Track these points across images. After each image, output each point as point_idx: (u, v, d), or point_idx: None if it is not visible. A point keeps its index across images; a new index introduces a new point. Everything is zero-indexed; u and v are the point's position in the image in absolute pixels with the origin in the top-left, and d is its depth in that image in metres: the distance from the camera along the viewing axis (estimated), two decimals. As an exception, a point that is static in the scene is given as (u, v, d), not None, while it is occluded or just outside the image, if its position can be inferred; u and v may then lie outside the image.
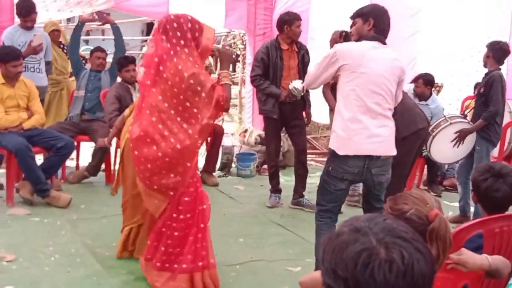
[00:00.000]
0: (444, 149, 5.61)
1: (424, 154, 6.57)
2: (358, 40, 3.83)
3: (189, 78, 3.45)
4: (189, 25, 3.55)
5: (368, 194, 4.02)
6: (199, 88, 3.45)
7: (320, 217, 3.94)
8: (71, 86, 7.30)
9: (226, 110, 3.63)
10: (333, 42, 4.27)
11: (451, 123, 5.58)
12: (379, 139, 3.68)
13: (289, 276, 4.23)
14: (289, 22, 5.84)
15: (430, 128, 5.59)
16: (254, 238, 5.04)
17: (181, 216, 3.71)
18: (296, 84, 5.60)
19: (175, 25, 3.53)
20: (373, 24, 3.76)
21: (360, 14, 3.84)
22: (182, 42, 3.52)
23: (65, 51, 6.94)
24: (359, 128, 3.63)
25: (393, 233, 1.30)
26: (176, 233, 3.73)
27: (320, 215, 3.94)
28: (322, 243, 1.38)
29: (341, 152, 3.67)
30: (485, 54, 5.54)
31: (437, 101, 6.96)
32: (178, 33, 3.52)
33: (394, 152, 3.81)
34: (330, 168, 3.78)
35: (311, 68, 3.91)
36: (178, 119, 3.54)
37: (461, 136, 5.49)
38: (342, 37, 4.30)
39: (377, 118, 3.67)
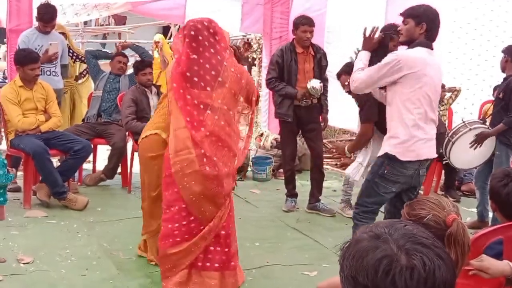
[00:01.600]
0: (464, 155, 5.55)
1: (444, 161, 6.55)
2: (407, 41, 3.83)
3: (241, 78, 3.66)
4: (221, 29, 3.71)
5: (396, 199, 4.00)
6: (248, 87, 3.69)
7: (361, 218, 3.99)
8: (78, 90, 7.32)
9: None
10: (366, 40, 4.00)
11: (470, 129, 5.50)
12: (433, 143, 3.85)
13: (306, 280, 4.21)
14: (296, 26, 5.83)
15: (450, 134, 5.55)
16: (270, 243, 5.02)
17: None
18: (314, 83, 5.58)
19: (212, 30, 3.64)
20: (426, 29, 3.73)
21: (414, 16, 3.75)
22: (222, 44, 3.65)
23: (70, 54, 6.95)
24: (420, 135, 3.74)
25: (413, 239, 1.29)
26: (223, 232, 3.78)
27: (361, 215, 3.99)
28: (341, 249, 1.37)
29: (403, 158, 3.76)
30: (503, 59, 5.49)
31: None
32: (217, 38, 3.65)
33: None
34: (385, 171, 3.82)
35: (364, 73, 3.84)
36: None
37: (480, 139, 5.42)
38: (380, 36, 4.06)
39: (433, 124, 3.83)
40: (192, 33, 3.60)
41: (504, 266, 2.32)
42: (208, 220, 3.66)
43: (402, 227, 1.34)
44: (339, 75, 5.46)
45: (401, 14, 3.84)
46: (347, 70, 5.04)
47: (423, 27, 3.71)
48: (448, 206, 2.22)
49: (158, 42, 8.10)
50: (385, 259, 1.24)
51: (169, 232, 3.68)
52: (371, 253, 1.27)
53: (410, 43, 3.80)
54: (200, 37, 3.59)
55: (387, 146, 3.82)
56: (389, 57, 3.70)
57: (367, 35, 4.01)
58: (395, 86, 3.72)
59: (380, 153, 3.87)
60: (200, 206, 3.61)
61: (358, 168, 5.17)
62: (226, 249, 3.77)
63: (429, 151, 3.84)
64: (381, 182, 3.85)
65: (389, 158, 3.79)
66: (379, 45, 4.03)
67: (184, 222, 3.65)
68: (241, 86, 3.69)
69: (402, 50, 3.89)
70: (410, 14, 3.77)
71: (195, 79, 3.57)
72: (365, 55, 3.98)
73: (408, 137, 3.73)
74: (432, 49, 3.77)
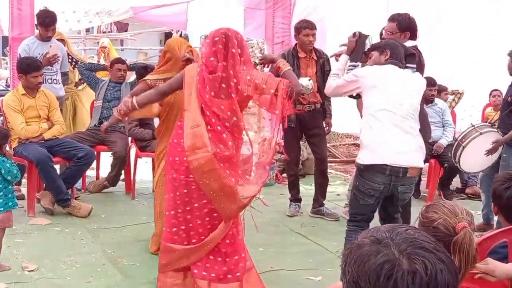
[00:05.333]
0: (474, 159, 5.51)
1: (446, 165, 6.54)
2: None
3: (261, 83, 3.57)
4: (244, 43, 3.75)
5: (387, 204, 4.07)
6: (272, 90, 3.54)
7: (348, 225, 4.07)
8: (79, 96, 7.32)
9: (298, 94, 3.84)
10: (350, 43, 4.39)
11: (481, 133, 5.45)
12: (403, 151, 3.84)
13: (310, 285, 4.20)
14: (298, 30, 5.85)
15: (459, 138, 5.54)
16: (274, 248, 5.02)
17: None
18: (303, 81, 5.54)
19: (239, 40, 3.67)
20: (390, 54, 4.03)
21: (376, 48, 4.13)
22: (244, 56, 3.68)
23: (69, 60, 6.95)
24: (384, 141, 3.81)
25: (415, 243, 1.29)
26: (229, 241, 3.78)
27: (349, 224, 4.07)
28: (343, 254, 1.37)
29: (367, 161, 3.84)
30: (510, 63, 5.46)
31: (440, 101, 6.91)
32: (239, 49, 3.65)
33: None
34: (357, 183, 3.91)
35: (336, 81, 4.15)
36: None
37: (497, 146, 5.37)
38: (357, 36, 4.40)
39: (401, 134, 3.85)
40: (224, 39, 3.62)
41: (509, 268, 2.32)
42: (229, 218, 3.67)
43: (404, 231, 1.34)
44: None
45: (364, 53, 4.31)
46: None
47: (387, 53, 4.03)
48: (462, 214, 2.23)
49: (105, 47, 8.06)
50: (386, 264, 1.24)
51: (167, 235, 3.75)
52: (373, 257, 1.27)
53: None
54: (229, 45, 3.61)
55: (358, 155, 3.94)
56: (356, 71, 4.08)
57: (350, 38, 4.38)
58: (363, 96, 3.96)
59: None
60: (221, 203, 3.63)
61: None
62: (227, 259, 3.74)
63: (398, 159, 3.76)
64: (359, 194, 3.93)
65: (359, 169, 3.89)
66: (356, 46, 4.36)
67: (183, 227, 3.69)
68: (242, 97, 3.66)
69: (367, 67, 4.14)
70: (373, 48, 4.17)
71: (217, 84, 3.61)
72: (344, 59, 4.33)
73: (371, 141, 3.81)
74: (401, 67, 4.00)
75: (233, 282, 3.72)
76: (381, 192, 3.85)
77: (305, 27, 5.80)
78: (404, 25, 4.70)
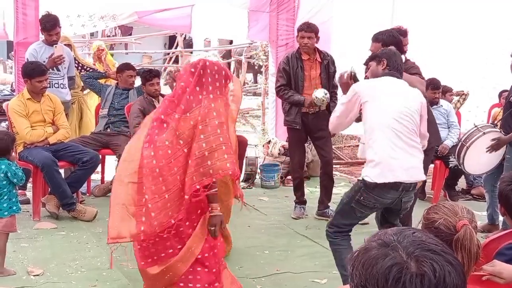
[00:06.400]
0: (477, 159, 5.48)
1: (451, 165, 6.52)
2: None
3: (217, 126, 3.35)
4: (223, 72, 3.51)
5: (388, 214, 4.08)
6: (202, 136, 3.31)
7: (335, 237, 3.97)
8: (85, 100, 7.33)
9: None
10: (343, 85, 4.34)
11: (484, 133, 5.43)
12: (409, 167, 3.79)
13: (316, 288, 4.19)
14: (297, 33, 5.90)
15: (463, 139, 5.51)
16: (279, 250, 5.01)
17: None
18: (318, 93, 5.57)
19: (208, 71, 3.44)
20: (386, 64, 4.00)
21: (373, 58, 4.12)
22: (210, 88, 3.43)
23: (76, 65, 6.96)
24: (391, 158, 3.75)
25: (422, 246, 1.29)
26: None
27: (336, 235, 3.97)
28: (349, 258, 1.37)
29: (379, 180, 3.73)
30: None
31: (445, 102, 6.90)
32: (210, 79, 3.44)
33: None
34: (361, 198, 3.79)
35: (334, 114, 4.12)
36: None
37: (497, 146, 5.34)
38: (351, 77, 4.40)
39: (403, 151, 3.78)
40: (200, 68, 3.45)
41: None
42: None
43: (411, 234, 1.33)
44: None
45: (364, 64, 4.25)
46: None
47: (384, 62, 4.00)
48: (462, 212, 2.28)
49: (103, 49, 8.06)
50: (395, 267, 1.24)
51: (141, 252, 3.57)
52: (381, 261, 1.27)
53: None
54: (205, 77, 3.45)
55: (364, 171, 3.82)
56: (353, 86, 4.00)
57: (342, 81, 4.33)
58: (362, 110, 3.89)
59: (360, 177, 3.87)
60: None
61: None
62: (214, 270, 3.58)
63: (409, 174, 3.73)
64: (358, 207, 3.85)
65: (367, 186, 3.75)
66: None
67: (151, 241, 3.46)
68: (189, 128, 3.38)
69: (359, 83, 4.14)
70: (370, 58, 4.16)
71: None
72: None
73: (376, 158, 3.72)
74: (398, 77, 3.98)
75: None
76: (386, 205, 3.85)
77: (301, 29, 5.85)
78: (389, 42, 4.54)
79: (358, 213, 3.88)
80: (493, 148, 5.33)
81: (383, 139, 3.72)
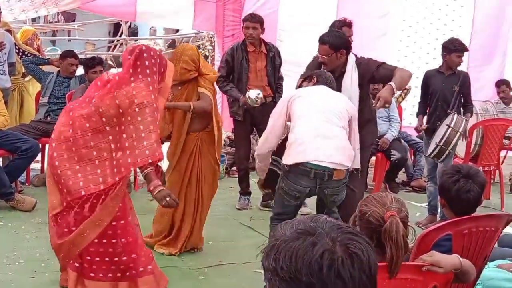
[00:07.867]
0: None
1: (392, 159, 6.65)
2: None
3: (154, 109, 3.44)
4: (158, 60, 3.59)
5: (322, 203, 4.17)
6: (139, 118, 3.39)
7: (273, 224, 4.05)
8: (26, 87, 7.16)
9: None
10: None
11: (459, 132, 5.33)
12: (327, 151, 3.85)
13: (259, 278, 4.17)
14: (242, 23, 5.92)
15: (442, 143, 5.29)
16: (224, 241, 5.01)
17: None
18: (252, 94, 5.46)
19: (145, 55, 3.54)
20: (316, 80, 4.16)
21: (304, 77, 4.30)
22: (147, 71, 3.52)
23: (16, 51, 6.77)
24: (306, 141, 3.86)
25: (342, 229, 1.33)
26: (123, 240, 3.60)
27: (274, 222, 4.04)
28: (266, 254, 1.35)
29: (290, 161, 3.84)
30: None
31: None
32: (146, 63, 3.53)
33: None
34: (283, 184, 3.89)
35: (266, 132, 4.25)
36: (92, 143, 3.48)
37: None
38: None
39: (325, 139, 3.86)
40: (136, 53, 3.54)
41: (453, 259, 2.38)
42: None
43: (326, 220, 1.36)
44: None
45: (297, 88, 4.35)
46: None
47: (314, 79, 4.18)
48: (391, 203, 2.33)
49: (37, 35, 7.94)
50: (325, 254, 1.26)
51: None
52: (310, 250, 1.28)
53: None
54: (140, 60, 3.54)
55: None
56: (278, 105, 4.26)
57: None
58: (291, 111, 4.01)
59: None
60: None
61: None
62: (134, 255, 3.58)
63: (315, 156, 3.74)
64: (284, 195, 3.90)
65: (284, 170, 3.86)
66: None
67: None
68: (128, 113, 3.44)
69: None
70: (302, 79, 4.32)
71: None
72: None
73: (296, 140, 3.81)
74: (332, 88, 4.16)
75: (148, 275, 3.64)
76: (306, 194, 3.90)
77: (245, 20, 5.87)
78: (337, 43, 4.47)
79: (286, 201, 3.92)
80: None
81: (305, 124, 3.83)
